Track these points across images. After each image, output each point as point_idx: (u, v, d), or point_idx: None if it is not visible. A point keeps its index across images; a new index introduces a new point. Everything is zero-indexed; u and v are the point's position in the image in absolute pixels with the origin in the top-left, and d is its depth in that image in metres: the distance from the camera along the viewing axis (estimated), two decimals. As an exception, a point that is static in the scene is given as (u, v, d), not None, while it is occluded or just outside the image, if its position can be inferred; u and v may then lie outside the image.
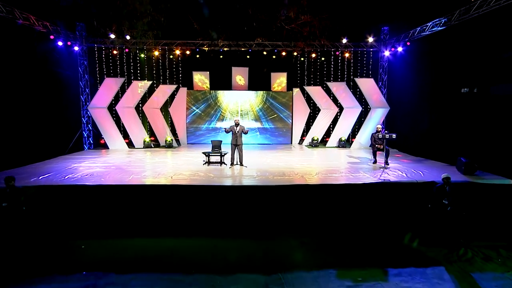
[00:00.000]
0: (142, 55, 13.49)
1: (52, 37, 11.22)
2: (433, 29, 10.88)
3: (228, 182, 7.11)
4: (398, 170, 8.18)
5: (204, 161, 8.95)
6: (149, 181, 6.99)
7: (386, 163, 8.73)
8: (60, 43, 11.63)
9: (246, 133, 8.58)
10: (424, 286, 4.61)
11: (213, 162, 8.92)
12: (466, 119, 11.31)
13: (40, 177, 7.15)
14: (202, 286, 4.66)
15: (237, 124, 8.56)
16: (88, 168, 8.34)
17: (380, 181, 7.08)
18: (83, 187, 6.53)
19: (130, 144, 12.60)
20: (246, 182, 7.10)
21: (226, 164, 8.81)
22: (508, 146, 7.81)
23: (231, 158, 8.72)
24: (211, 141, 9.33)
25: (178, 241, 6.14)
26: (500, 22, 9.86)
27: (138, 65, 13.70)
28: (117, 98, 12.92)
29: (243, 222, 6.51)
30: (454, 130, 10.54)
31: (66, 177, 7.18)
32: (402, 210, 6.56)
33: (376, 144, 9.17)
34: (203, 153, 9.04)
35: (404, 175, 7.62)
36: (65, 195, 6.42)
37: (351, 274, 4.98)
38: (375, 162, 9.25)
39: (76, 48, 12.58)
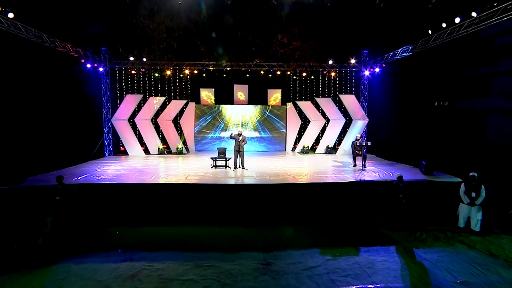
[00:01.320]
0: (156, 74, 14.48)
1: (82, 60, 12.26)
2: (402, 54, 12.01)
3: (232, 181, 8.01)
4: (372, 171, 9.16)
5: (212, 164, 9.87)
6: (168, 180, 7.89)
7: (364, 166, 9.71)
8: (88, 65, 12.67)
9: (245, 143, 9.55)
10: (385, 258, 5.57)
11: (219, 166, 9.84)
12: (429, 129, 12.48)
13: (79, 177, 8.05)
14: (214, 260, 5.56)
15: (239, 134, 9.55)
16: (115, 171, 9.25)
17: (357, 180, 8.03)
18: (115, 185, 7.42)
19: (146, 151, 13.39)
20: (247, 181, 8.01)
21: (230, 167, 9.74)
22: (461, 151, 8.88)
23: (234, 162, 9.66)
24: (217, 148, 10.27)
25: (193, 228, 7.01)
26: (453, 50, 11.15)
27: (153, 82, 14.70)
28: (135, 112, 13.86)
29: (245, 213, 7.35)
30: (420, 138, 11.66)
31: (100, 177, 8.10)
32: (373, 203, 7.47)
33: (356, 151, 10.15)
34: (211, 158, 9.97)
35: (377, 175, 8.59)
36: (101, 191, 7.29)
37: (331, 251, 5.91)
38: (355, 165, 10.20)
39: (101, 69, 13.59)
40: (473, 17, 7.67)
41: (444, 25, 8.96)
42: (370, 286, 4.69)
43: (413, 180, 7.79)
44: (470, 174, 6.73)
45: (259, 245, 6.19)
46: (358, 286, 4.69)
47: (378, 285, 4.72)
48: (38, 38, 9.79)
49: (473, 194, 6.61)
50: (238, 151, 9.49)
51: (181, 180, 7.94)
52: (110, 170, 9.30)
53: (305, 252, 5.88)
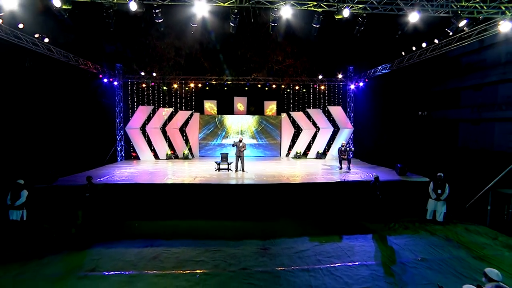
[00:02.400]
0: (165, 87, 15.32)
1: (100, 76, 13.10)
2: (382, 71, 13.03)
3: (234, 182, 8.79)
4: (356, 173, 10.02)
5: (215, 168, 10.67)
6: (179, 181, 8.66)
7: (349, 168, 10.59)
8: (105, 80, 13.51)
9: (244, 149, 10.38)
10: (363, 243, 6.40)
11: (222, 169, 10.64)
12: (406, 137, 13.48)
13: (101, 178, 8.80)
14: (221, 246, 6.31)
15: (240, 141, 10.38)
16: (131, 173, 10.00)
17: (342, 180, 8.87)
18: (134, 185, 8.17)
19: (156, 156, 14.14)
20: (247, 182, 8.80)
21: (232, 170, 10.54)
22: (437, 155, 9.81)
23: (236, 165, 10.46)
24: (221, 153, 11.08)
25: (201, 222, 7.74)
26: (428, 67, 12.22)
27: (161, 95, 15.53)
28: (145, 121, 14.64)
29: (246, 209, 8.12)
30: (397, 145, 12.63)
31: (120, 178, 8.85)
32: (355, 199, 8.29)
33: (341, 155, 11.02)
34: (215, 162, 10.76)
35: (360, 176, 9.44)
36: (121, 190, 8.03)
37: (318, 239, 6.71)
38: (341, 168, 11.06)
39: (115, 83, 14.43)
40: (435, 43, 8.67)
41: (414, 48, 9.98)
42: (349, 263, 5.51)
43: (389, 180, 8.67)
44: (438, 174, 7.63)
45: (258, 235, 6.95)
46: (339, 264, 5.51)
47: (355, 263, 5.54)
48: (65, 58, 10.65)
49: (439, 191, 7.50)
50: (239, 156, 10.30)
51: (190, 180, 8.72)
52: (127, 172, 10.05)
53: (297, 240, 6.68)
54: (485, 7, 6.48)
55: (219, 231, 7.15)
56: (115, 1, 6.10)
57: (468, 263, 5.39)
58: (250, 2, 6.30)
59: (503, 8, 6.56)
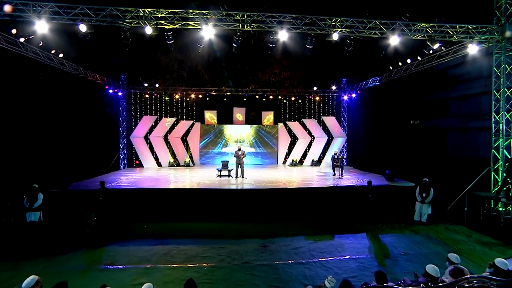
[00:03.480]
0: (167, 98, 16.16)
1: (106, 87, 13.93)
2: (373, 84, 14.06)
3: (235, 187, 9.57)
4: (348, 179, 10.85)
5: (217, 174, 11.42)
6: (183, 186, 9.40)
7: (341, 175, 11.42)
8: (110, 91, 14.32)
9: (244, 157, 11.19)
10: (353, 241, 7.16)
11: (223, 175, 11.39)
12: (396, 145, 14.41)
13: (110, 184, 9.48)
14: (225, 244, 7.01)
15: (239, 149, 11.19)
16: (138, 179, 10.70)
17: (335, 185, 9.67)
18: (143, 190, 8.88)
19: (158, 164, 14.86)
20: (247, 187, 9.58)
21: (232, 176, 11.30)
22: (421, 161, 10.70)
23: (236, 172, 11.23)
24: (222, 161, 11.86)
25: (205, 224, 8.42)
26: (418, 79, 13.23)
27: (163, 105, 16.35)
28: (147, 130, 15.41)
29: (246, 212, 8.84)
30: (387, 153, 13.53)
31: (129, 184, 9.55)
32: (347, 202, 9.07)
33: (335, 163, 11.87)
34: (217, 169, 11.52)
35: (351, 182, 10.28)
36: (131, 194, 8.73)
37: (313, 237, 7.44)
38: (334, 174, 11.90)
39: (120, 94, 15.25)
40: (418, 59, 9.69)
41: (400, 63, 11.00)
42: (339, 258, 6.26)
43: (378, 185, 9.49)
44: (423, 179, 8.46)
45: (258, 234, 7.66)
46: (330, 258, 6.25)
47: (345, 257, 6.29)
48: (75, 71, 11.47)
49: (424, 195, 8.32)
50: (239, 163, 11.09)
51: (194, 186, 9.46)
52: (133, 179, 10.75)
53: (293, 238, 7.41)
54: (455, 32, 7.50)
55: (222, 232, 7.86)
56: (132, 25, 6.99)
57: (444, 256, 6.06)
58: (251, 26, 7.23)
59: (471, 33, 7.59)
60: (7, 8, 6.26)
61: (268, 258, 6.28)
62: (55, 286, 3.14)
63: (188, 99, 16.32)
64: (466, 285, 3.74)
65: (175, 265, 5.90)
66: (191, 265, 5.91)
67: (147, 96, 16.04)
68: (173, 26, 7.16)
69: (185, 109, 16.42)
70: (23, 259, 6.03)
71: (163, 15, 7.02)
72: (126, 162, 15.79)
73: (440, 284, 3.82)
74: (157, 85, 15.21)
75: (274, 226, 8.38)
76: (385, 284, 3.68)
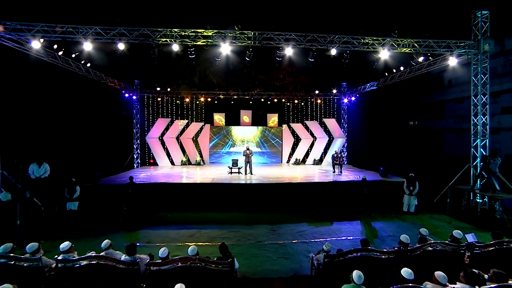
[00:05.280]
0: (178, 101, 17.58)
1: (123, 91, 15.38)
2: (370, 88, 15.43)
3: (244, 181, 10.94)
4: (346, 175, 12.22)
5: (228, 171, 12.82)
6: (200, 181, 10.79)
7: (341, 172, 12.80)
8: (126, 95, 15.77)
9: (252, 155, 12.58)
10: (349, 227, 8.53)
11: (234, 172, 12.79)
12: (395, 144, 15.75)
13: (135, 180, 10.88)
14: (240, 229, 8.36)
15: (248, 148, 12.59)
16: (156, 175, 12.11)
17: (335, 180, 11.03)
18: (164, 184, 10.29)
19: (172, 162, 16.27)
20: (255, 181, 10.95)
21: (241, 173, 12.69)
22: (418, 161, 12.03)
23: (245, 169, 12.62)
24: (232, 159, 13.27)
25: (220, 214, 9.75)
26: (416, 83, 14.55)
27: (174, 108, 17.77)
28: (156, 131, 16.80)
29: (256, 203, 10.20)
30: (386, 152, 14.88)
31: (150, 179, 10.96)
32: (345, 195, 10.41)
33: (335, 161, 13.24)
34: (228, 166, 12.93)
35: (349, 178, 11.64)
36: (155, 188, 10.13)
37: (314, 224, 8.80)
38: (334, 172, 13.26)
39: (134, 97, 16.69)
40: (410, 67, 11.05)
41: (394, 70, 12.36)
42: (336, 238, 7.63)
43: (373, 180, 10.86)
44: (410, 174, 9.82)
45: (267, 222, 9.01)
46: (329, 238, 7.62)
47: (342, 238, 7.66)
48: (98, 78, 12.91)
49: (411, 188, 9.68)
50: (248, 161, 12.49)
51: (209, 180, 10.86)
52: (153, 175, 12.16)
53: (298, 225, 8.77)
54: (437, 47, 8.87)
55: (236, 220, 9.23)
56: (160, 43, 8.42)
57: (424, 237, 7.51)
58: (261, 43, 8.64)
59: (452, 47, 8.97)
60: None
61: (277, 238, 7.66)
62: (129, 247, 4.59)
63: (197, 102, 17.73)
64: (429, 248, 5.16)
65: (200, 244, 7.28)
66: (214, 243, 7.29)
67: (159, 99, 17.49)
68: (195, 43, 8.57)
69: (195, 112, 17.84)
70: (78, 238, 7.42)
71: (187, 33, 8.44)
72: (139, 161, 17.22)
73: (409, 247, 5.21)
74: (168, 89, 16.64)
75: (281, 215, 9.73)
76: (368, 247, 5.05)
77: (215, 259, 4.70)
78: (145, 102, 17.59)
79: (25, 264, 4.61)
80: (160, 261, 4.52)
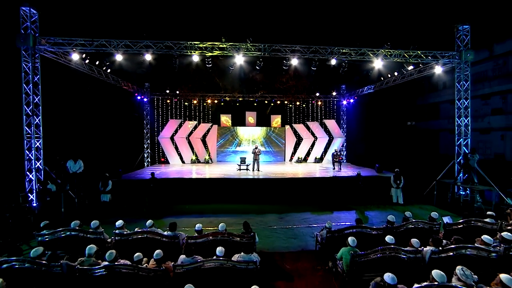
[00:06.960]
0: (186, 103, 18.91)
1: (136, 94, 16.70)
2: (368, 91, 16.83)
3: (252, 177, 12.28)
4: (344, 172, 13.61)
5: (237, 168, 14.18)
6: (212, 176, 12.12)
7: (340, 169, 14.19)
8: (138, 97, 17.09)
9: (260, 154, 13.95)
10: (347, 215, 9.91)
11: (242, 169, 14.15)
12: (393, 144, 17.15)
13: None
14: (252, 217, 9.73)
15: (256, 147, 13.96)
16: (171, 172, 13.44)
17: (334, 176, 12.41)
18: (182, 179, 11.62)
19: (182, 161, 17.61)
20: (262, 177, 12.31)
21: (249, 170, 14.05)
22: (415, 160, 13.41)
23: (252, 166, 13.99)
24: (240, 157, 14.64)
25: (233, 205, 11.13)
26: (413, 85, 15.91)
27: (183, 109, 19.10)
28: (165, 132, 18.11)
29: (264, 196, 11.59)
30: (384, 151, 16.28)
31: (165, 175, 12.29)
32: (343, 189, 11.80)
33: (334, 159, 14.64)
34: (237, 164, 14.29)
35: (347, 173, 13.02)
36: (172, 183, 11.47)
37: (317, 213, 10.19)
38: (334, 168, 14.67)
39: (145, 99, 18.02)
40: (403, 73, 12.45)
41: (389, 75, 13.76)
42: (336, 223, 9.00)
43: (369, 175, 12.25)
44: (395, 170, 11.21)
45: (275, 211, 10.40)
46: (330, 224, 8.98)
47: (340, 223, 9.04)
48: (115, 82, 14.23)
49: (398, 181, 11.08)
50: (255, 159, 13.86)
51: (221, 176, 12.21)
52: (168, 172, 13.49)
53: (302, 214, 10.16)
54: (425, 57, 10.29)
55: (247, 210, 10.60)
56: (181, 53, 9.77)
57: (411, 222, 8.89)
58: (271, 54, 10.02)
59: (438, 57, 10.38)
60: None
61: (285, 224, 9.04)
62: (171, 224, 5.95)
63: (204, 104, 19.07)
64: (410, 226, 6.57)
65: (219, 228, 8.62)
66: (232, 228, 8.64)
67: (168, 101, 18.82)
68: (212, 54, 9.93)
69: (203, 113, 19.19)
70: (113, 224, 8.72)
71: (205, 45, 9.79)
72: (149, 160, 18.54)
73: (395, 225, 6.60)
74: (177, 92, 17.97)
75: (287, 206, 11.12)
76: (362, 225, 6.42)
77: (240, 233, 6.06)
78: (154, 104, 18.90)
79: (91, 237, 5.99)
80: (196, 235, 5.89)
